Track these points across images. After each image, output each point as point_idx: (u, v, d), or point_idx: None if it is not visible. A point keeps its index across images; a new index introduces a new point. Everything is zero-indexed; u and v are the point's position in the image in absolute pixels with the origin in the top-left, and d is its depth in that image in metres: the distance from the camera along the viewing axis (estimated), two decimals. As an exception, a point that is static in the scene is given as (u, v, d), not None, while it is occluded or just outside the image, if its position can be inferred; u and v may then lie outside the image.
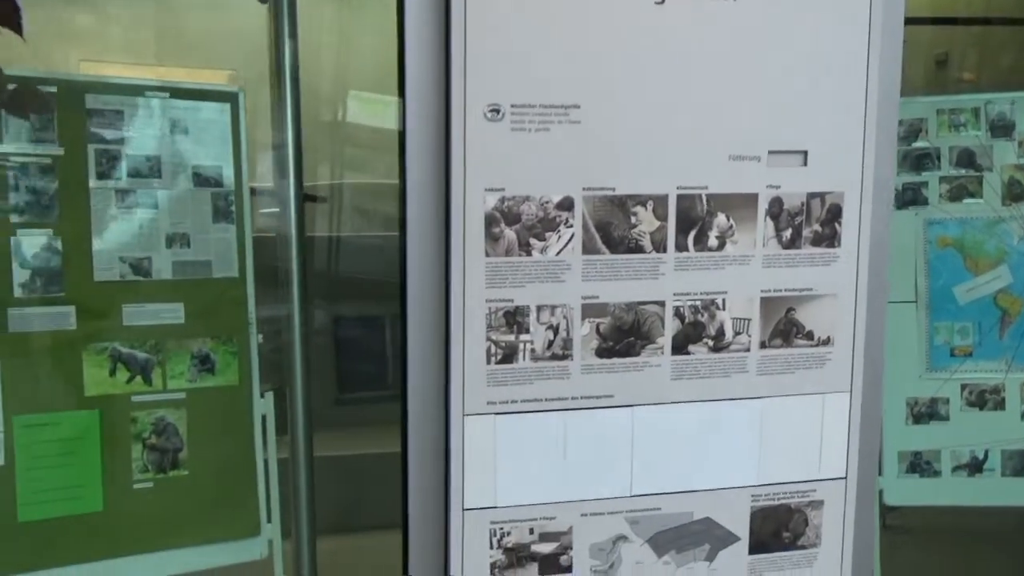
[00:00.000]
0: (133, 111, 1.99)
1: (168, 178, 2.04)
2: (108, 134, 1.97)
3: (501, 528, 1.40)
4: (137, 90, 2.01)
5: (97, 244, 1.96)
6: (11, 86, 1.80)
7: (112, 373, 1.97)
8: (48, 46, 5.85)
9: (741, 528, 1.50)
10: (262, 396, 2.12)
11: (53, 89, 1.92)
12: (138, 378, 2.00)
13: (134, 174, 2.00)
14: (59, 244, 1.92)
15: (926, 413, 2.37)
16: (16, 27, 1.04)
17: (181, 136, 2.04)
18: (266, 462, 2.13)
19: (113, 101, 1.97)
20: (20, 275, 1.88)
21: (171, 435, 2.02)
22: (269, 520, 2.15)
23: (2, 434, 1.86)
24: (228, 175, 2.09)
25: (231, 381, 2.10)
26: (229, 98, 2.12)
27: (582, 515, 1.43)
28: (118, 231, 1.97)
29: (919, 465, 2.39)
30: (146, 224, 2.00)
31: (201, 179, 2.07)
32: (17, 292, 1.88)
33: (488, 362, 1.35)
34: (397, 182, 1.36)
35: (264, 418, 2.13)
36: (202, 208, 2.07)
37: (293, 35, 2.07)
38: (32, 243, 1.89)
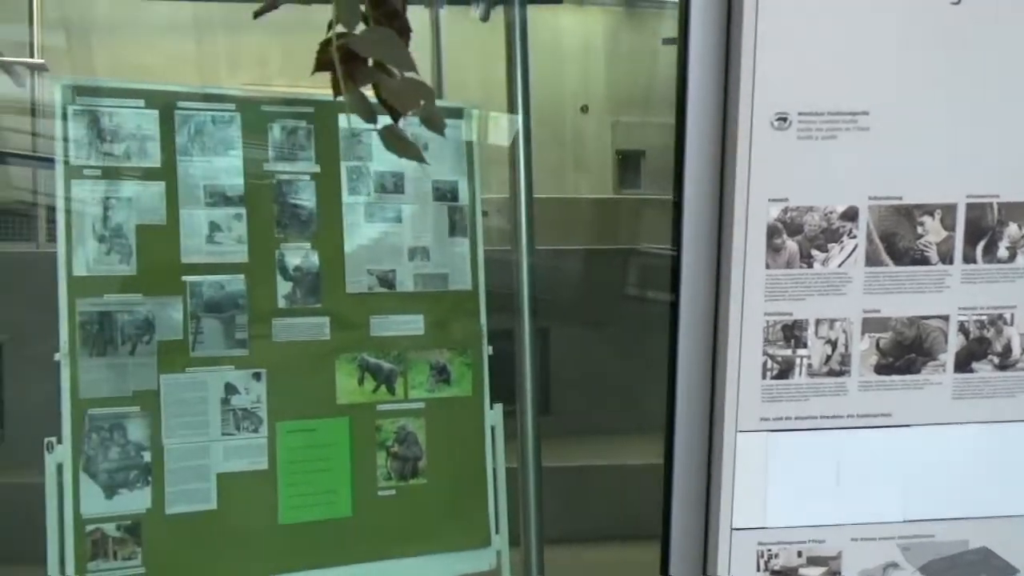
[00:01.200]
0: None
1: (410, 193, 2.12)
2: (359, 151, 2.07)
3: (769, 550, 1.37)
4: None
5: (349, 257, 2.06)
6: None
7: (360, 382, 2.05)
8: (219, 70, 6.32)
9: (1021, 560, 1.40)
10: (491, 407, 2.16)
11: (310, 109, 2.05)
12: (383, 387, 2.08)
13: (380, 190, 2.09)
14: (316, 257, 2.03)
15: None
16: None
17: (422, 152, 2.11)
18: (495, 472, 2.16)
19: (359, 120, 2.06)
20: (283, 287, 2.00)
21: (412, 444, 2.09)
22: (497, 531, 2.17)
23: (266, 439, 1.98)
24: (463, 190, 2.16)
25: (465, 392, 2.14)
26: (457, 114, 2.19)
27: (852, 539, 1.37)
28: (367, 245, 2.07)
29: None
30: (391, 238, 2.09)
31: (439, 194, 2.14)
32: (281, 303, 1.99)
33: (763, 377, 1.32)
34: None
35: (493, 429, 2.16)
36: (440, 222, 2.13)
37: (525, 54, 2.11)
38: (293, 256, 2.01)
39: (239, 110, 1.98)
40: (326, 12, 1.09)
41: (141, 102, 1.90)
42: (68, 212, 1.83)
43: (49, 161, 1.86)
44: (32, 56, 4.88)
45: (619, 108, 6.41)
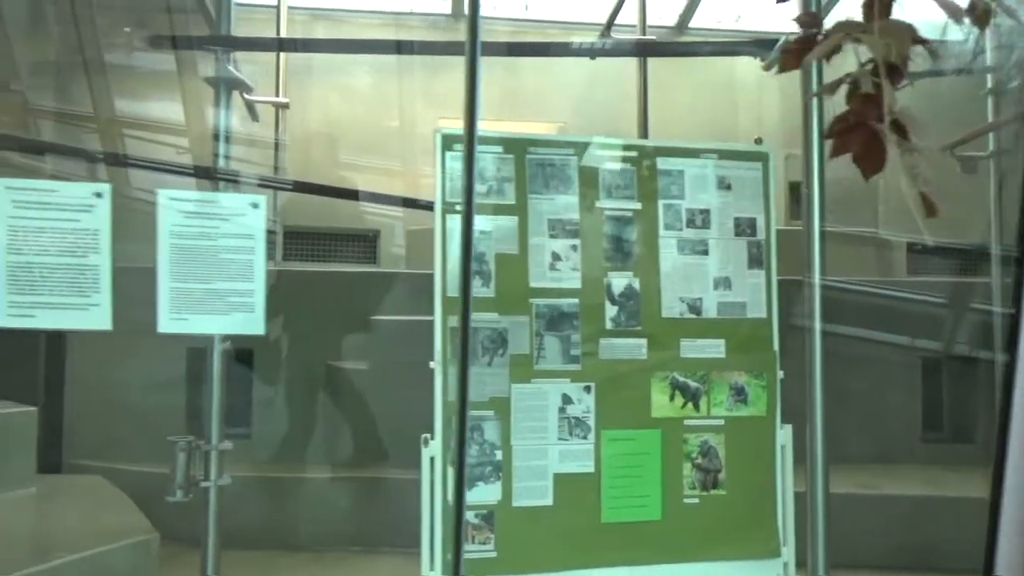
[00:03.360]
0: (690, 170, 2.31)
1: (715, 229, 2.33)
2: (673, 190, 2.30)
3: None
4: (694, 152, 2.33)
5: (664, 285, 2.28)
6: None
7: (671, 399, 2.26)
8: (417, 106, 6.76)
9: None
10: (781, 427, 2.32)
11: (634, 153, 2.30)
12: (689, 404, 2.28)
13: (690, 225, 2.31)
14: (637, 285, 2.27)
15: None
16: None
17: (724, 191, 2.32)
18: (783, 489, 2.31)
19: (676, 163, 2.31)
20: (610, 311, 2.24)
21: (713, 457, 2.27)
22: (785, 543, 2.31)
23: (593, 445, 2.22)
24: (760, 225, 2.34)
25: (760, 412, 2.31)
26: (762, 157, 2.38)
27: None
28: (679, 274, 2.29)
29: None
30: (699, 268, 2.30)
31: (739, 229, 2.33)
32: (608, 325, 2.24)
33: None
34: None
35: (783, 448, 2.32)
36: (739, 255, 2.33)
37: (820, 93, 2.28)
38: (619, 284, 2.26)
39: (576, 153, 2.25)
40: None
41: (499, 148, 2.19)
42: (443, 242, 2.14)
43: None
44: (277, 95, 5.44)
45: (793, 140, 6.44)
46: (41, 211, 1.91)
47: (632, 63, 5.28)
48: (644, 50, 4.97)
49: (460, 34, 7.39)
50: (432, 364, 2.11)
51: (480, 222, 2.16)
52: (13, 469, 3.07)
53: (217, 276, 2.00)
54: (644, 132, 4.88)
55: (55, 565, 2.22)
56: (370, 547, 4.15)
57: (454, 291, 2.13)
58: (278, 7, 5.33)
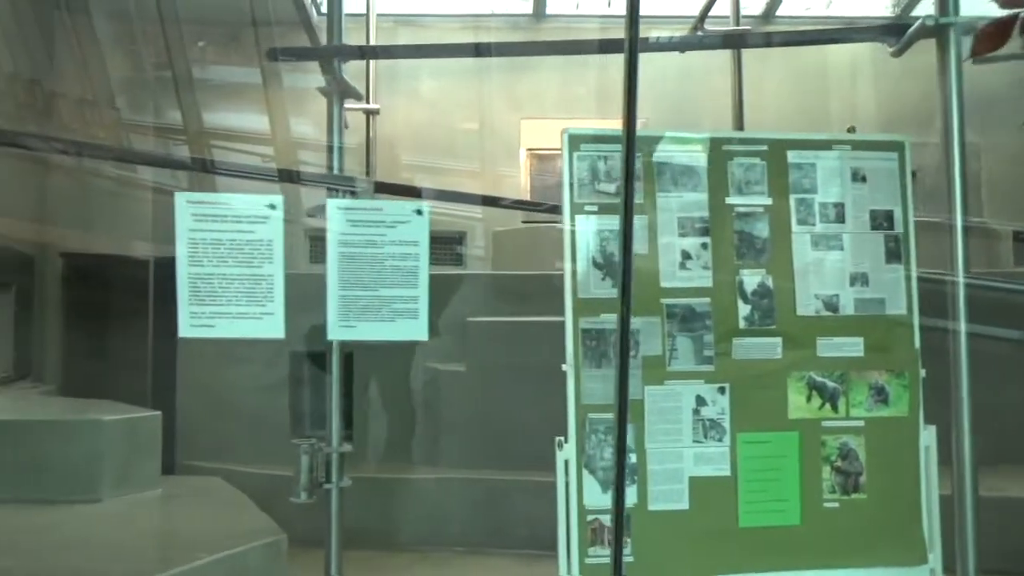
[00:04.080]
0: (822, 163, 2.23)
1: (850, 223, 2.24)
2: (805, 184, 2.23)
3: None
4: (825, 144, 2.25)
5: (798, 282, 2.21)
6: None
7: (808, 399, 2.19)
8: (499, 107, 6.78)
9: None
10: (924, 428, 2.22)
11: (764, 147, 2.23)
12: (827, 405, 2.20)
13: (824, 220, 2.23)
14: (770, 282, 2.20)
15: None
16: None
17: (859, 184, 2.24)
18: (928, 493, 2.21)
19: (807, 155, 2.23)
20: (743, 309, 2.18)
21: (853, 460, 2.19)
22: (931, 549, 2.21)
23: (728, 448, 2.16)
24: (898, 218, 2.25)
25: (902, 412, 2.21)
26: (897, 147, 2.28)
27: None
28: (814, 271, 2.21)
29: None
30: (834, 264, 2.22)
31: (876, 223, 2.24)
32: (741, 324, 2.18)
33: None
34: None
35: (927, 449, 2.21)
36: (877, 249, 2.24)
37: (960, 86, 2.17)
38: (751, 282, 2.19)
39: (704, 150, 2.20)
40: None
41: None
42: (573, 243, 2.12)
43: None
44: (368, 102, 5.51)
45: (889, 128, 6.21)
46: (219, 223, 1.98)
47: (714, 56, 5.18)
48: (759, 40, 4.89)
49: (542, 34, 7.38)
50: (564, 367, 2.09)
51: (608, 222, 2.13)
52: (142, 471, 3.19)
53: (383, 283, 2.02)
54: (740, 125, 4.78)
55: (198, 565, 2.28)
56: (475, 548, 4.17)
57: (585, 293, 2.11)
58: (367, 15, 5.40)
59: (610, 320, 2.09)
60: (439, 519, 4.16)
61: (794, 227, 2.22)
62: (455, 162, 6.77)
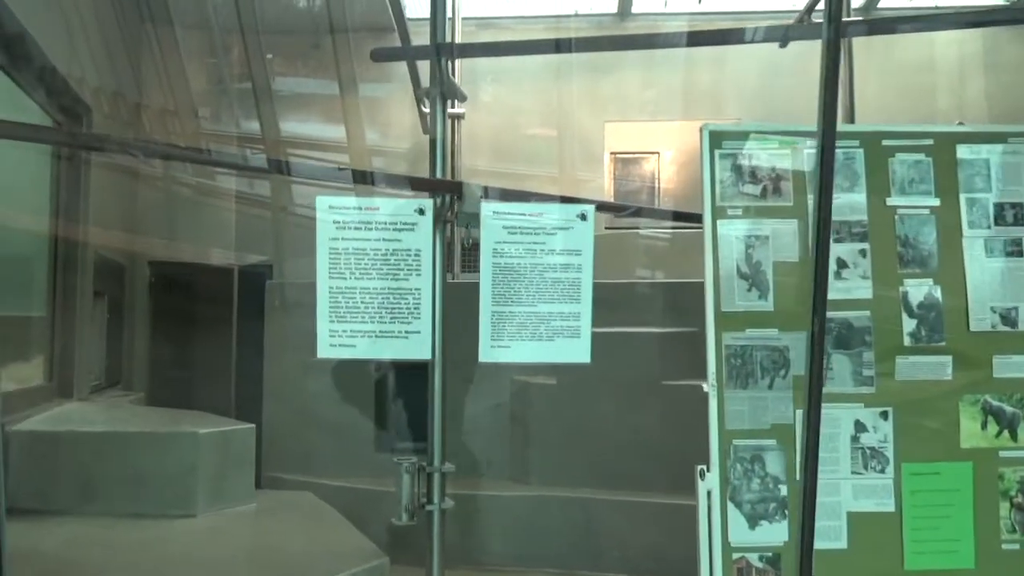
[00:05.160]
0: (995, 158, 1.98)
1: (1031, 225, 1.98)
2: (977, 182, 1.98)
3: None
4: (999, 137, 2.00)
5: (971, 293, 1.95)
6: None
7: (983, 426, 1.93)
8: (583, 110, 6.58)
9: None
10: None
11: (929, 141, 1.99)
12: (1005, 433, 1.94)
13: (1000, 222, 1.97)
14: (938, 293, 1.96)
15: None
16: None
17: (1041, 180, 1.98)
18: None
19: (979, 150, 1.98)
20: (907, 324, 1.94)
21: (1036, 496, 1.93)
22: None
23: (892, 480, 1.92)
24: (1090, 219, 1.97)
25: (1093, 441, 1.94)
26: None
27: None
28: (989, 280, 1.95)
29: None
30: (1013, 273, 1.96)
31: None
32: (906, 341, 1.93)
33: None
34: None
35: (1122, 485, 1.93)
36: (1065, 256, 1.97)
37: None
38: (917, 293, 1.95)
39: (862, 146, 1.97)
40: None
41: (774, 143, 1.95)
42: (715, 251, 1.92)
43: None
44: (452, 107, 5.39)
45: (1000, 121, 5.84)
46: (364, 231, 1.82)
47: (807, 51, 4.89)
48: (876, 28, 4.63)
49: (627, 32, 7.16)
50: (705, 387, 1.88)
51: (754, 226, 1.91)
52: (236, 485, 3.09)
53: (541, 298, 1.83)
54: (850, 119, 4.50)
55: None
56: (567, 570, 3.99)
57: (728, 306, 1.90)
58: (453, 17, 5.29)
59: (757, 335, 1.88)
60: (524, 537, 4.00)
61: (965, 231, 1.97)
62: (539, 167, 6.62)
